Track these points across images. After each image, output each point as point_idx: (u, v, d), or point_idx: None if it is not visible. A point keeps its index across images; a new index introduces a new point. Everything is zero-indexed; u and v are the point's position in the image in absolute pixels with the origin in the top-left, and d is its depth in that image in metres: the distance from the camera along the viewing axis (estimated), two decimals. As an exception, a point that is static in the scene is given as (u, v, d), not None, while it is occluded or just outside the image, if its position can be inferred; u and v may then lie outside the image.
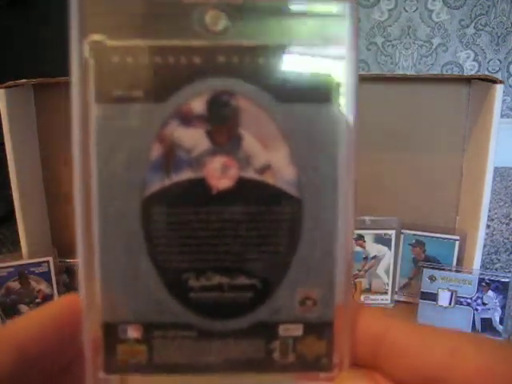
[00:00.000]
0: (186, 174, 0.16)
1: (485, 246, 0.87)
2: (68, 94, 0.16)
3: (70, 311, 0.17)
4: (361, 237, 0.69)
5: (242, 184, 0.16)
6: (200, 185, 0.16)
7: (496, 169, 0.66)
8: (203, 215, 0.16)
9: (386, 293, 0.70)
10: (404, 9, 1.46)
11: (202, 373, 0.17)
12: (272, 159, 0.16)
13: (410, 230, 0.70)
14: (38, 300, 0.65)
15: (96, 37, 0.16)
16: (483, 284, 0.63)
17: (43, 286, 0.65)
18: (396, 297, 0.71)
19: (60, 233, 0.73)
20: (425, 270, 0.65)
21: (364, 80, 0.68)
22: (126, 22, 0.16)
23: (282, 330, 0.17)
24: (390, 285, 0.70)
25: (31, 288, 0.65)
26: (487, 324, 0.63)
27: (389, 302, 0.70)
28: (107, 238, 0.16)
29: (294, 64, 0.16)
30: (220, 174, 0.16)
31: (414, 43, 1.49)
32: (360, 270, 0.69)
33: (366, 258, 0.69)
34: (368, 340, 0.16)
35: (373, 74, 1.14)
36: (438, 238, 0.69)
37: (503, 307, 0.63)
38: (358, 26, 0.16)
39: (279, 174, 0.16)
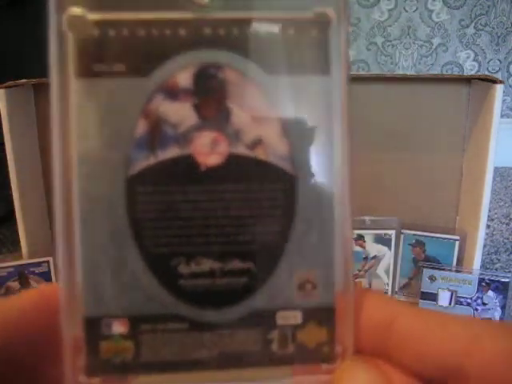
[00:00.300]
0: (172, 151, 0.15)
1: (485, 245, 0.87)
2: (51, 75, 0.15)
3: (48, 304, 0.15)
4: (361, 237, 0.69)
5: (232, 160, 0.15)
6: (187, 162, 0.15)
7: (496, 169, 0.66)
8: (191, 194, 0.15)
9: (386, 293, 0.70)
10: (404, 9, 1.46)
11: (195, 370, 0.15)
12: (263, 133, 0.15)
13: (410, 229, 0.70)
14: (37, 300, 0.65)
15: (75, 10, 0.15)
16: (483, 284, 0.63)
17: (43, 286, 0.65)
18: (396, 297, 0.71)
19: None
20: (425, 269, 0.65)
21: (364, 80, 0.68)
22: None
23: (280, 319, 0.16)
24: (390, 285, 0.70)
25: (31, 288, 0.65)
26: (487, 324, 0.63)
27: (389, 302, 0.70)
28: (88, 221, 0.15)
29: (283, 36, 0.15)
30: (208, 150, 0.15)
31: (413, 43, 1.49)
32: (360, 270, 0.69)
33: (365, 258, 0.69)
34: (375, 327, 0.15)
35: (373, 73, 1.14)
36: (437, 237, 0.69)
37: (503, 307, 0.63)
38: None
39: (271, 149, 0.15)
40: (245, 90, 0.15)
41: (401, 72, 1.50)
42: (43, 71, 0.17)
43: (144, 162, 0.15)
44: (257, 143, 0.15)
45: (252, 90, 0.15)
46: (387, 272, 0.70)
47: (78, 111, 0.15)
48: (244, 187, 0.15)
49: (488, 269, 0.87)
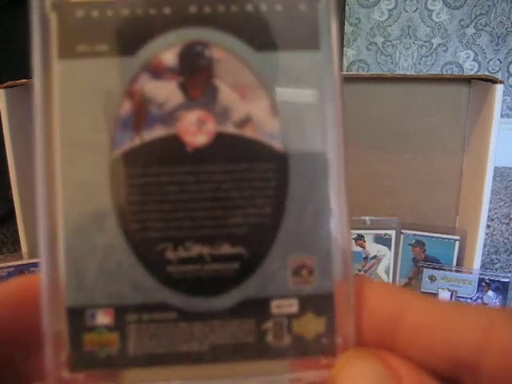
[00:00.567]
0: (158, 131, 0.15)
1: (485, 245, 0.87)
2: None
3: (28, 295, 0.14)
4: (361, 237, 0.69)
5: (220, 139, 0.15)
6: (174, 142, 0.15)
7: (496, 169, 0.66)
8: (178, 176, 0.15)
9: (386, 293, 0.70)
10: (404, 9, 1.46)
11: (185, 364, 0.14)
12: (252, 111, 0.15)
13: (410, 229, 0.70)
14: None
15: None
16: (483, 284, 0.63)
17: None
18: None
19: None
20: (425, 269, 0.65)
21: (364, 80, 0.68)
22: None
23: (275, 307, 0.15)
24: (390, 285, 0.70)
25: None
26: (487, 324, 0.63)
27: (389, 302, 0.70)
28: (71, 206, 0.14)
29: (270, 11, 0.15)
30: (195, 130, 0.15)
31: (414, 43, 1.49)
32: (360, 270, 0.69)
33: (366, 258, 0.69)
34: (382, 319, 0.14)
35: (373, 74, 1.14)
36: (437, 238, 0.69)
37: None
38: None
39: (261, 127, 0.15)
40: (232, 68, 0.15)
41: (401, 72, 1.50)
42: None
43: (129, 143, 0.15)
44: (245, 121, 0.15)
45: (239, 68, 0.15)
46: (387, 272, 0.70)
47: (61, 93, 0.15)
48: (233, 167, 0.15)
49: (488, 269, 0.87)
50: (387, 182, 0.72)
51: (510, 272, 0.85)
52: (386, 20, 1.47)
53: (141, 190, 0.15)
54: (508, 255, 0.93)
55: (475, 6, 1.44)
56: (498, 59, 1.49)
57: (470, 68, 1.51)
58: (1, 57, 0.96)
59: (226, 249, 0.15)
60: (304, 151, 0.15)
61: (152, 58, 0.15)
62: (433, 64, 1.51)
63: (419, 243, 0.70)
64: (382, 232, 0.69)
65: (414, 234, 0.70)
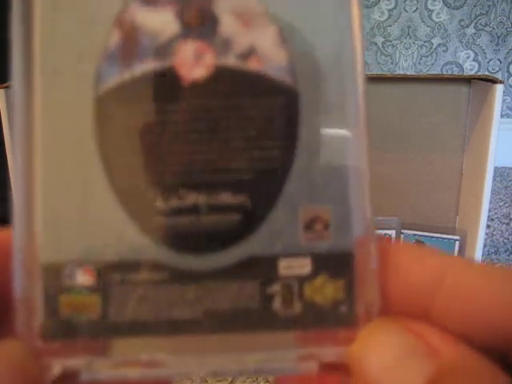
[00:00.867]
0: (150, 64, 0.13)
1: (485, 245, 0.87)
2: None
3: None
4: (361, 237, 0.69)
5: (221, 73, 0.13)
6: (168, 76, 0.13)
7: (496, 169, 0.66)
8: (172, 114, 0.13)
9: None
10: (404, 9, 1.46)
11: (176, 333, 0.12)
12: (256, 42, 0.13)
13: (410, 230, 0.70)
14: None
15: None
16: (483, 284, 0.63)
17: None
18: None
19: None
20: (425, 270, 0.65)
21: (364, 80, 0.68)
22: None
23: (283, 268, 0.12)
24: (390, 285, 0.70)
25: None
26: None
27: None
28: (50, 147, 0.13)
29: None
30: (193, 63, 0.13)
31: (414, 43, 1.48)
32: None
33: (366, 258, 0.69)
34: (413, 283, 0.12)
35: (373, 74, 1.14)
36: (437, 237, 0.69)
37: (503, 307, 0.63)
38: None
39: (266, 59, 0.13)
40: None
41: (401, 72, 1.50)
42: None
43: (117, 77, 0.13)
44: (249, 53, 0.13)
45: None
46: (387, 272, 0.70)
47: (42, 22, 0.13)
48: (235, 104, 0.13)
49: (488, 269, 0.87)
50: (387, 182, 0.72)
51: (510, 272, 0.85)
52: (385, 20, 1.47)
53: (129, 129, 0.13)
54: (508, 255, 0.93)
55: (475, 5, 1.44)
56: (498, 59, 1.49)
57: (469, 68, 1.51)
58: (1, 57, 0.96)
59: (227, 198, 0.13)
60: (317, 87, 0.13)
61: None
62: (433, 64, 1.51)
63: (419, 243, 0.70)
64: (382, 232, 0.69)
65: (414, 234, 0.70)
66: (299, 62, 0.13)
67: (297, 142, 0.13)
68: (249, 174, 0.13)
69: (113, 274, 0.12)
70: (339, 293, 0.12)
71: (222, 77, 0.13)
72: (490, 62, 1.50)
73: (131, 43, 0.13)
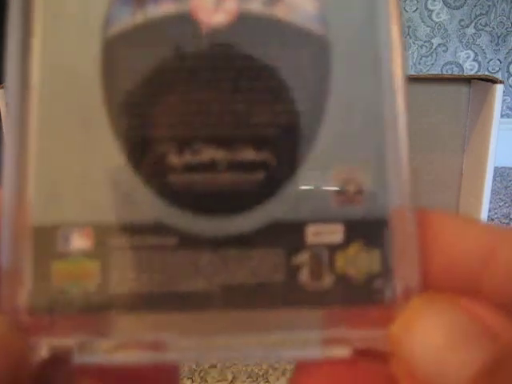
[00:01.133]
0: (165, 7, 0.11)
1: (485, 246, 0.87)
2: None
3: None
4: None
5: (244, 20, 0.11)
6: (185, 21, 0.11)
7: (496, 169, 0.66)
8: (189, 61, 0.11)
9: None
10: (404, 9, 1.46)
11: (185, 309, 0.11)
12: None
13: (410, 230, 0.70)
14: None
15: None
16: (483, 284, 0.63)
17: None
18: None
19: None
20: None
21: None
22: None
23: (312, 235, 0.11)
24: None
25: None
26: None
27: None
28: (49, 92, 0.11)
29: None
30: (213, 7, 0.11)
31: (414, 43, 1.48)
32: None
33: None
34: (461, 256, 0.11)
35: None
36: (438, 238, 0.69)
37: (503, 307, 0.63)
38: None
39: (294, 7, 0.11)
40: None
41: (401, 72, 1.49)
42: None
43: (128, 19, 0.11)
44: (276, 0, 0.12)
45: None
46: (387, 272, 0.70)
47: None
48: (258, 54, 0.11)
49: (488, 269, 0.87)
50: (387, 182, 0.72)
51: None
52: (385, 20, 1.47)
53: (139, 76, 0.11)
54: (508, 255, 0.93)
55: (475, 5, 1.44)
56: (498, 59, 1.49)
57: (469, 68, 1.51)
58: (0, 57, 0.96)
59: (249, 154, 0.11)
60: (350, 37, 0.12)
61: None
62: (433, 64, 1.51)
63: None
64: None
65: (414, 234, 0.70)
66: (330, 10, 0.12)
67: (327, 96, 0.11)
68: (274, 129, 0.11)
69: (114, 237, 0.11)
70: (374, 265, 0.11)
71: (245, 24, 0.11)
72: (490, 62, 1.50)
73: None
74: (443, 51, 1.49)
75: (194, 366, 0.56)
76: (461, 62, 1.50)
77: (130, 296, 0.11)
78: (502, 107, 0.62)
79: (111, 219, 0.11)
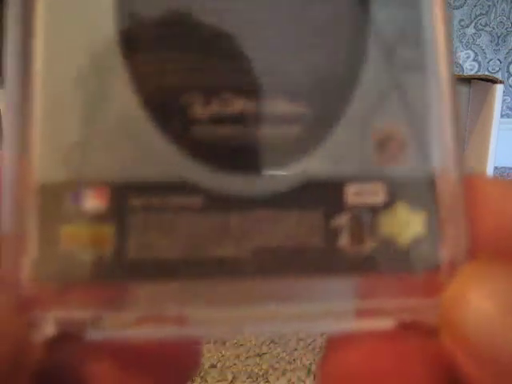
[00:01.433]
0: None
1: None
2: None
3: None
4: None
5: None
6: None
7: (496, 169, 0.66)
8: (216, 2, 0.10)
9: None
10: (404, 9, 1.46)
11: (212, 277, 0.10)
12: None
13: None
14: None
15: None
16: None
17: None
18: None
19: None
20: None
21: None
22: None
23: (352, 195, 0.10)
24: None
25: None
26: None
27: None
28: (58, 33, 0.10)
29: None
30: None
31: (413, 43, 1.49)
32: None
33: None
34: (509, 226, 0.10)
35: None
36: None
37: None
38: None
39: None
40: None
41: (401, 72, 1.50)
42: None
43: None
44: None
45: None
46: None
47: None
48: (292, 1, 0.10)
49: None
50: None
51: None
52: (385, 20, 1.47)
53: (161, 16, 0.10)
54: (508, 255, 0.93)
55: (475, 5, 1.44)
56: (498, 59, 1.49)
57: (469, 68, 1.51)
58: (0, 57, 0.96)
59: (282, 106, 0.10)
60: None
61: None
62: (433, 64, 1.51)
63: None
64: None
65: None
66: None
67: (367, 44, 0.10)
68: (310, 79, 0.10)
69: (132, 197, 0.10)
70: (420, 228, 0.10)
71: None
72: (490, 62, 1.50)
73: None
74: (443, 51, 1.49)
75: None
76: (461, 61, 1.50)
77: (149, 263, 0.09)
78: (502, 107, 0.62)
79: (128, 177, 0.10)
